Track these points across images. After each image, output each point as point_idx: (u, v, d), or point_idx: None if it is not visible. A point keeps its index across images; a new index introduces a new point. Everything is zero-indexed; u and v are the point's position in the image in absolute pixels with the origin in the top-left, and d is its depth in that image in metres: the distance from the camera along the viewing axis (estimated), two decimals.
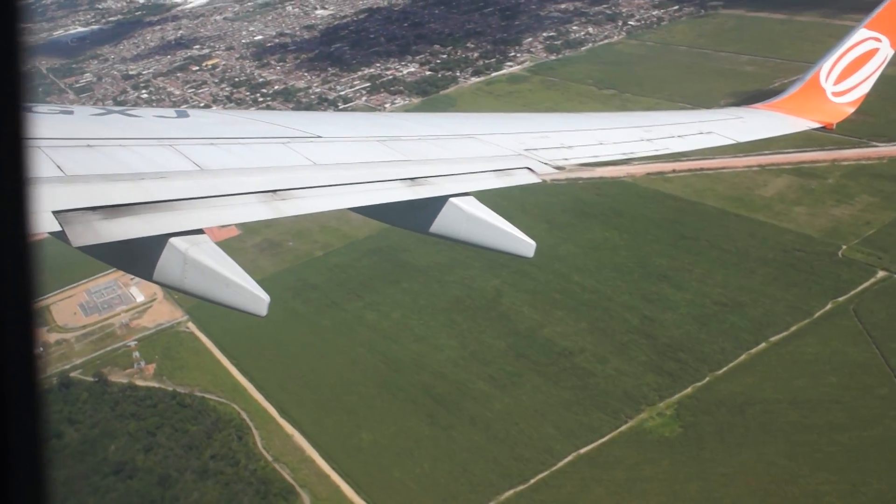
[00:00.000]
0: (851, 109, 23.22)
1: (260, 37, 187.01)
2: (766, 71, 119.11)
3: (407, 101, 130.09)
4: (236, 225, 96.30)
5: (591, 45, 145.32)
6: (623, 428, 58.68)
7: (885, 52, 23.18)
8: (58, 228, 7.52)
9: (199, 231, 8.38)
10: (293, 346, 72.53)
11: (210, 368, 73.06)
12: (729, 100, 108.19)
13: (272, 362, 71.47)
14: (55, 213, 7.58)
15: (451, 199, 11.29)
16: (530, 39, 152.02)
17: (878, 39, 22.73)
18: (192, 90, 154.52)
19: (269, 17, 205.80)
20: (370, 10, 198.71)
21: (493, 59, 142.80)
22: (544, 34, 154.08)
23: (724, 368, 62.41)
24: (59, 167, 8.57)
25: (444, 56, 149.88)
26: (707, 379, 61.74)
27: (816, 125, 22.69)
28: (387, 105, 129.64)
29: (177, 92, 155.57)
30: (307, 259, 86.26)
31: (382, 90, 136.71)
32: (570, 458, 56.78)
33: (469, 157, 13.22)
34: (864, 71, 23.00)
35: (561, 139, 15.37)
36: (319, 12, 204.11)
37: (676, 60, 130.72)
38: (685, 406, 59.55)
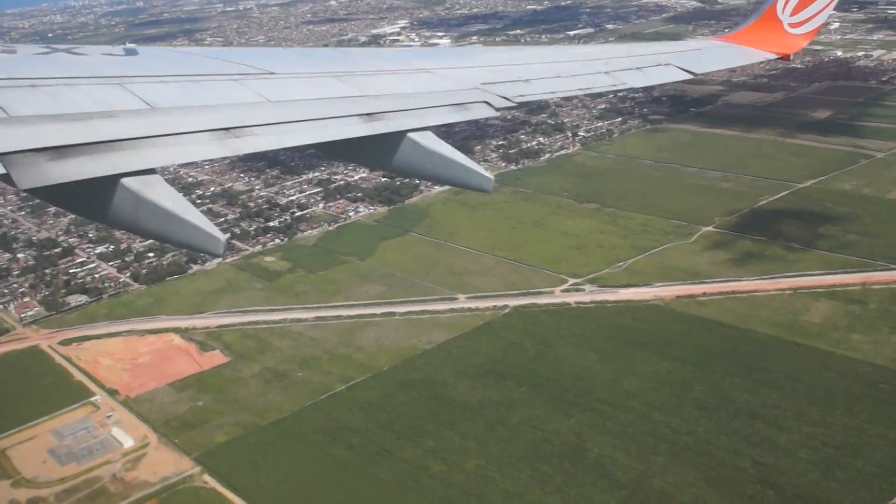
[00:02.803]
0: (807, 41, 25.32)
1: None
2: (743, 188, 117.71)
3: (372, 211, 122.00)
4: (223, 351, 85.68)
5: (548, 155, 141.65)
6: None
7: None
8: (2, 171, 7.73)
9: (151, 171, 8.80)
10: None
11: None
12: (723, 218, 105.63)
13: None
14: None
15: (409, 135, 11.86)
16: (480, 147, 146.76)
17: None
18: None
19: None
20: None
21: None
22: (493, 142, 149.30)
23: None
24: (1, 108, 8.65)
25: None
26: None
27: (773, 56, 25.00)
28: (350, 214, 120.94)
29: None
30: (328, 394, 75.89)
31: (339, 196, 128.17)
32: None
33: (426, 92, 13.70)
34: (820, 2, 24.50)
35: (518, 73, 16.26)
36: None
37: (647, 174, 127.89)
38: None
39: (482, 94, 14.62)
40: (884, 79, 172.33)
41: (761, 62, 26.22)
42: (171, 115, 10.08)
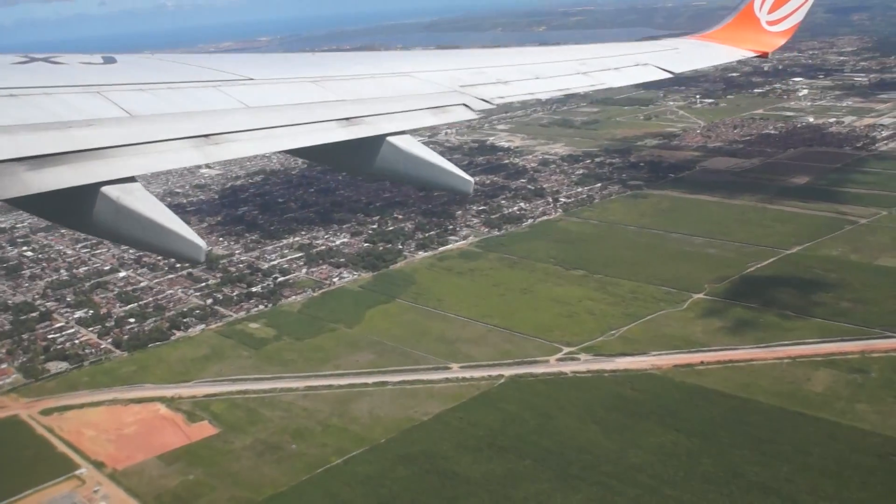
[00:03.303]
0: (784, 39, 25.48)
1: None
2: (730, 254, 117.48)
3: (356, 276, 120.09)
4: (211, 422, 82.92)
5: (530, 220, 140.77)
6: None
7: None
8: None
9: (132, 179, 8.84)
10: None
11: None
12: (714, 285, 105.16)
13: None
14: None
15: (388, 138, 12.09)
16: (460, 212, 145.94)
17: None
18: (88, 251, 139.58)
19: (150, 175, 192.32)
20: (265, 173, 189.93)
21: (432, 232, 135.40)
22: (474, 207, 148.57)
23: None
24: None
25: (374, 227, 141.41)
26: None
27: (751, 54, 25.35)
28: (334, 279, 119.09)
29: (69, 252, 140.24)
30: (324, 468, 73.28)
31: (322, 261, 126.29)
32: None
33: (404, 95, 14.11)
34: (797, 0, 24.93)
35: (497, 74, 16.52)
36: (206, 171, 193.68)
37: (632, 240, 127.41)
38: None
39: (461, 96, 14.97)
40: (858, 145, 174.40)
41: (739, 60, 26.62)
42: (149, 123, 10.09)
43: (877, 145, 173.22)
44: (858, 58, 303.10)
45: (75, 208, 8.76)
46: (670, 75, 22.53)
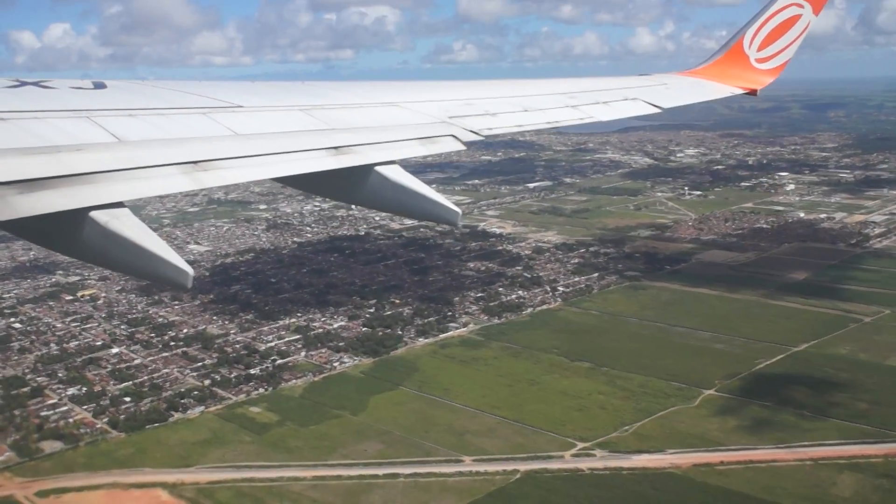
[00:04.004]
0: (773, 77, 25.18)
1: None
2: (737, 350, 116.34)
3: (357, 361, 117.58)
4: None
5: (530, 309, 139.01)
6: None
7: (807, 18, 24.54)
8: None
9: (120, 204, 8.79)
10: None
11: None
12: (724, 381, 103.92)
13: None
14: None
15: (376, 168, 11.92)
16: (458, 299, 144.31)
17: (800, 5, 24.35)
18: (78, 324, 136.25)
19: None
20: (254, 252, 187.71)
21: (431, 318, 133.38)
22: (472, 294, 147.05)
23: None
24: None
25: (371, 310, 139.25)
26: None
27: (740, 91, 24.88)
28: (335, 364, 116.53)
29: (58, 325, 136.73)
30: None
31: (320, 345, 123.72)
32: None
33: (393, 125, 14.19)
34: (788, 37, 24.66)
35: (485, 106, 16.62)
36: (195, 247, 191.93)
37: (635, 333, 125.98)
38: None
39: (449, 127, 14.81)
40: (852, 242, 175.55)
41: (727, 96, 26.00)
42: (139, 149, 10.07)
43: (870, 242, 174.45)
44: (841, 154, 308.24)
45: (64, 232, 8.79)
46: (659, 110, 21.94)
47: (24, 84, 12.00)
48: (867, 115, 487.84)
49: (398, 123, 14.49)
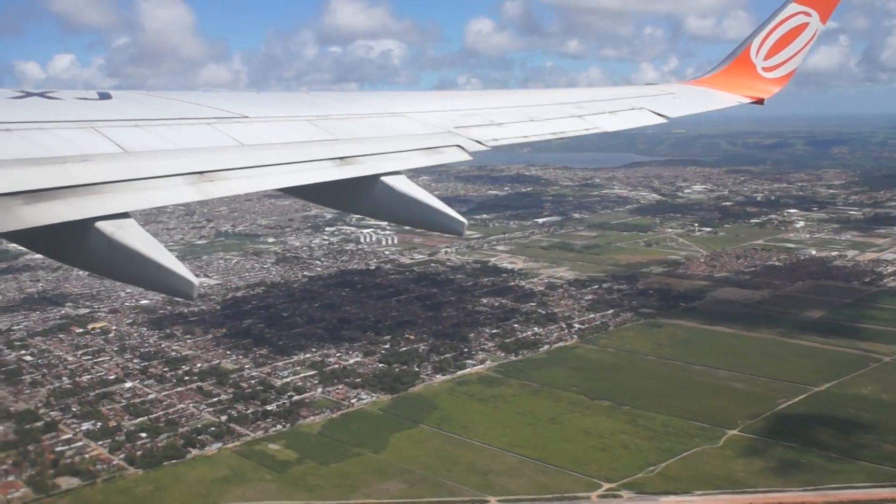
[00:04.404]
0: (780, 87, 24.88)
1: (146, 301, 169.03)
2: (757, 389, 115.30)
3: (375, 398, 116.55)
4: None
5: (547, 346, 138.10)
6: None
7: (814, 27, 24.21)
8: None
9: (125, 214, 8.79)
10: None
11: None
12: (747, 421, 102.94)
13: None
14: None
15: (382, 178, 11.93)
16: (473, 335, 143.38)
17: (807, 14, 23.98)
18: (90, 358, 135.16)
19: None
20: (265, 285, 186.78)
21: (447, 355, 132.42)
22: (487, 330, 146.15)
23: None
24: None
25: (387, 346, 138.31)
26: None
27: (747, 100, 24.67)
28: (353, 401, 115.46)
29: (69, 358, 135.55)
30: None
31: (337, 381, 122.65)
32: None
33: (399, 135, 14.16)
34: (795, 46, 24.35)
35: (491, 116, 16.91)
36: (205, 280, 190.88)
37: (654, 371, 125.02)
38: None
39: (455, 137, 14.82)
40: (866, 280, 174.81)
41: (734, 105, 25.36)
42: (144, 159, 10.07)
43: (884, 281, 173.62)
44: (849, 191, 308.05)
45: (69, 243, 8.80)
46: (665, 120, 21.87)
47: (29, 95, 12.04)
48: (871, 152, 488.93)
49: (403, 134, 14.50)
